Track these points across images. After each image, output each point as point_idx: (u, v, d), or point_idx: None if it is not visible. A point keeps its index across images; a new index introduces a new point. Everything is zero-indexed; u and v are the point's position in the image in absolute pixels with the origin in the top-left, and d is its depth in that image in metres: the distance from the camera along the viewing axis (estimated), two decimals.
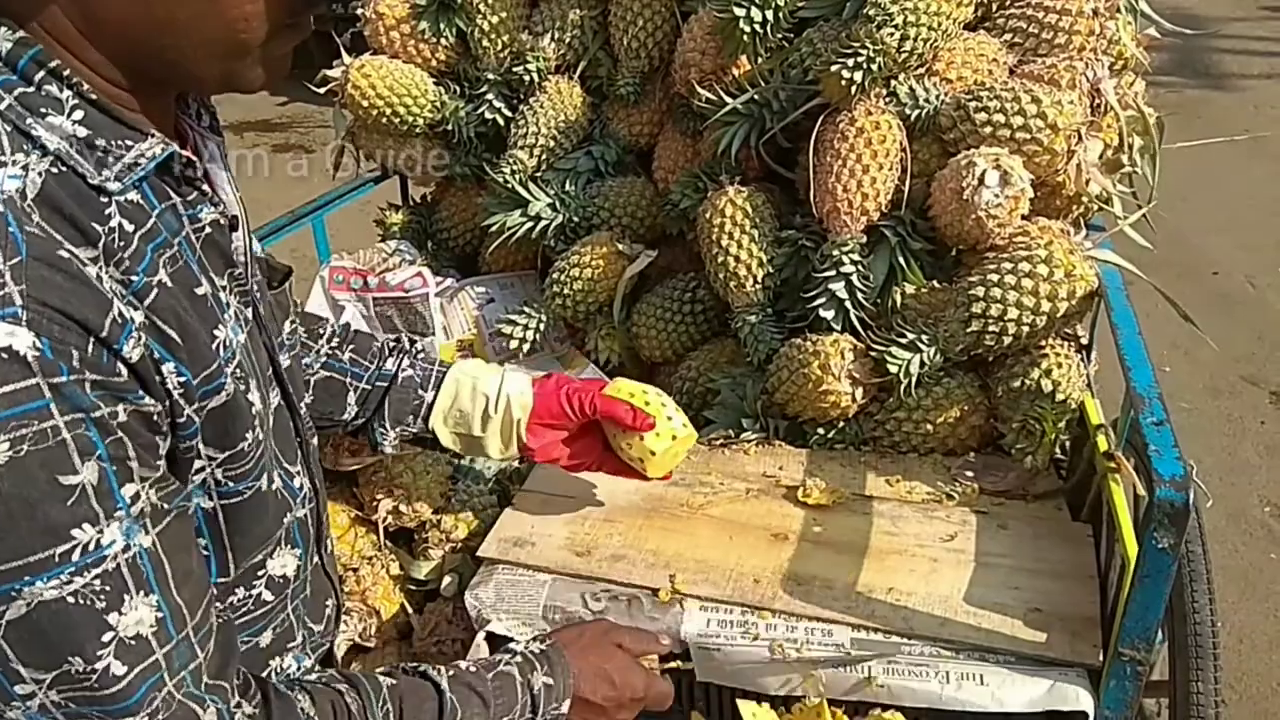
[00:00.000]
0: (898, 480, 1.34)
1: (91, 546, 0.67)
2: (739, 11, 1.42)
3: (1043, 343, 1.33)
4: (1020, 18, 1.44)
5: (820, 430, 1.43)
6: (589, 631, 1.08)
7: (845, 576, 1.17)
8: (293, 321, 1.01)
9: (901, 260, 1.40)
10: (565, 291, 1.65)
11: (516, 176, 1.70)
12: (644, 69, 1.70)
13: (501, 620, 1.19)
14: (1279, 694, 2.22)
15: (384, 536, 1.37)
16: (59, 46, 0.70)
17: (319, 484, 0.99)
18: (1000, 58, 1.42)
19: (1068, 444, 1.34)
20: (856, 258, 1.38)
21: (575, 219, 1.70)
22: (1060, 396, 1.29)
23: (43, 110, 0.68)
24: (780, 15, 1.44)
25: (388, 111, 1.78)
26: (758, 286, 1.48)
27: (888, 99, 1.39)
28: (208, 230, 0.80)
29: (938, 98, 1.39)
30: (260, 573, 0.89)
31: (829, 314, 1.40)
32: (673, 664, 1.12)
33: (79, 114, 0.69)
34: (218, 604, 0.81)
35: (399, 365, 1.22)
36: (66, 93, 0.69)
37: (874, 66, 1.32)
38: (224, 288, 0.82)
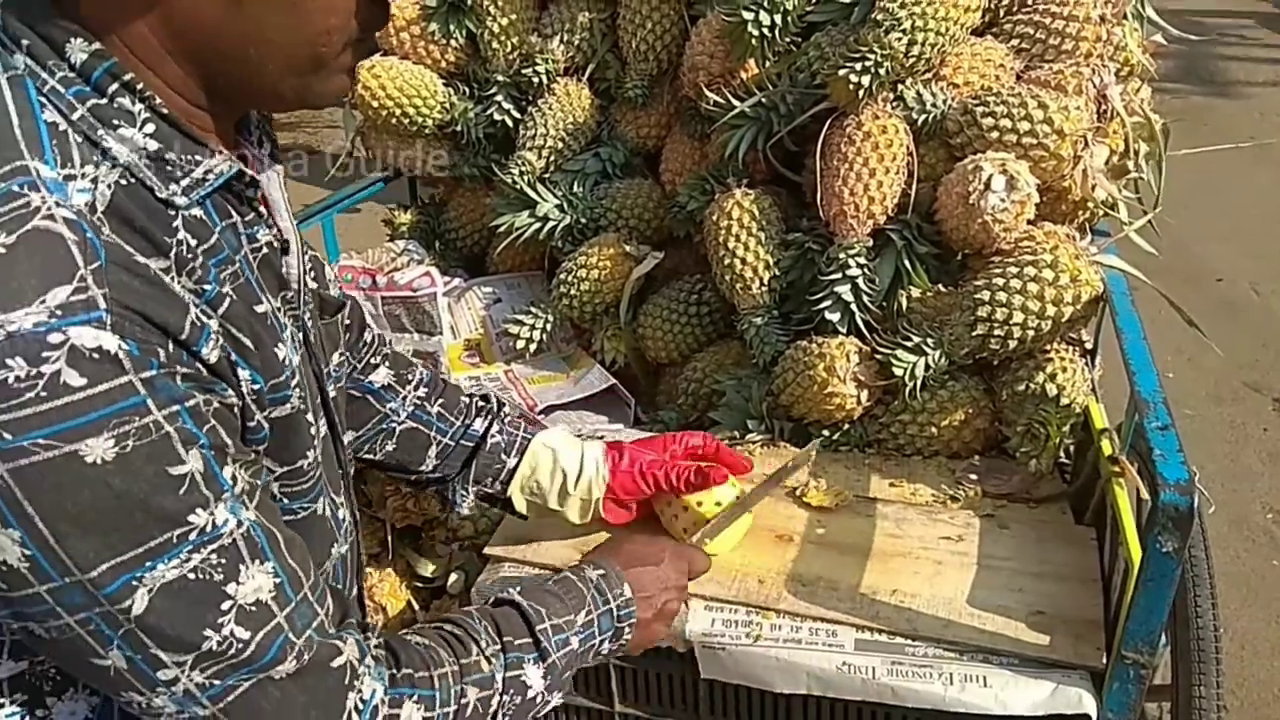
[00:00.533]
0: (902, 483, 1.35)
1: (208, 528, 0.69)
2: (747, 15, 1.43)
3: (1048, 347, 1.34)
4: (1027, 23, 1.45)
5: (825, 432, 1.43)
6: (614, 540, 1.12)
7: (849, 578, 1.17)
8: (342, 354, 1.01)
9: (907, 264, 1.40)
10: (572, 292, 1.65)
11: (525, 178, 1.71)
12: (652, 72, 1.71)
13: None
14: None
15: (391, 534, 1.38)
16: (135, 60, 0.70)
17: (357, 517, 1.00)
18: (1007, 63, 1.43)
19: (1072, 448, 1.35)
20: (863, 261, 1.38)
21: (583, 220, 1.71)
22: (1065, 400, 1.29)
23: (115, 122, 0.69)
24: (788, 19, 1.45)
25: (397, 112, 1.79)
26: (764, 289, 1.48)
27: (895, 103, 1.40)
28: (264, 251, 0.81)
29: (945, 102, 1.39)
30: None
31: (835, 317, 1.40)
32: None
33: (150, 127, 0.70)
34: None
35: (488, 428, 1.20)
36: (139, 105, 0.70)
37: (881, 71, 1.33)
38: (279, 309, 0.83)
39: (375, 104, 1.78)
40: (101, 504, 0.64)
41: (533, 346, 1.70)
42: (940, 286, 1.41)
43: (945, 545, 1.22)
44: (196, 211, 0.73)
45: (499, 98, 1.80)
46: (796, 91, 1.47)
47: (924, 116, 1.39)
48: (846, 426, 1.43)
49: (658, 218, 1.71)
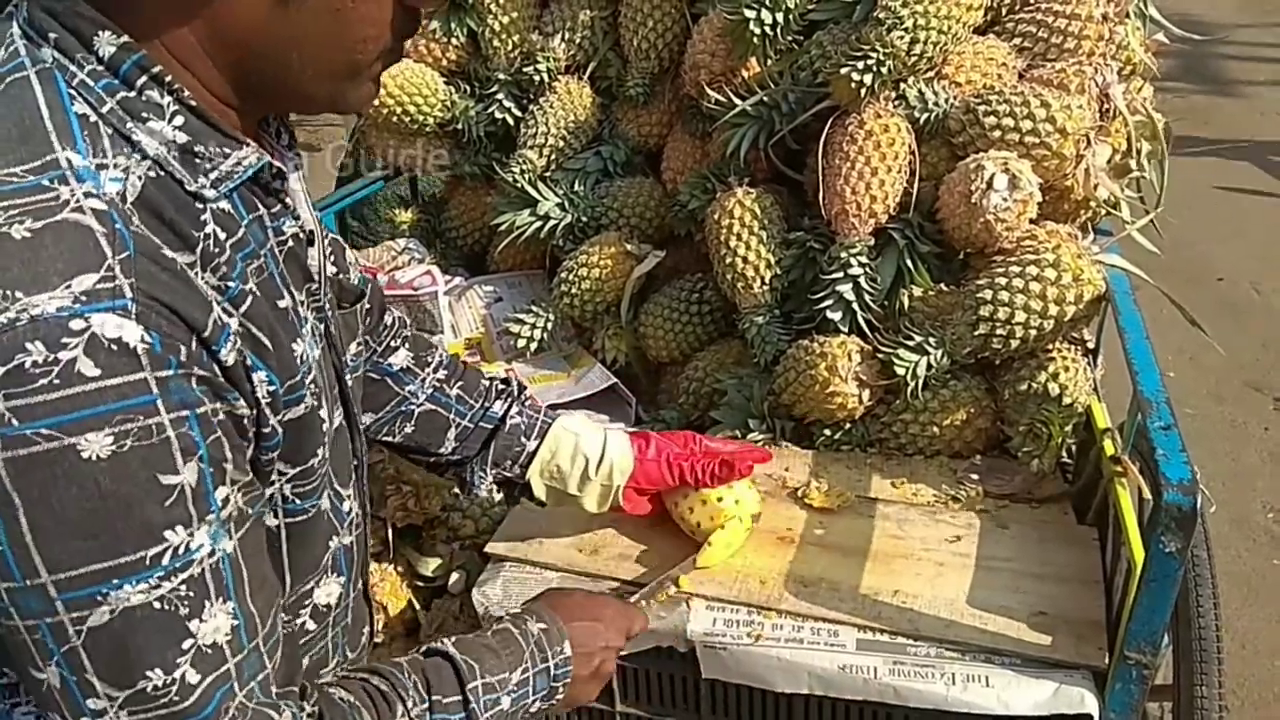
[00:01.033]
0: (903, 483, 1.35)
1: (181, 550, 0.66)
2: (749, 14, 1.43)
3: (1050, 346, 1.34)
4: (1030, 22, 1.44)
5: (826, 432, 1.43)
6: (558, 591, 1.10)
7: (851, 578, 1.17)
8: (360, 343, 1.01)
9: (909, 263, 1.40)
10: (573, 291, 1.65)
11: (526, 176, 1.71)
12: (654, 70, 1.71)
13: None
14: None
15: (392, 533, 1.38)
16: (167, 55, 0.70)
17: (367, 509, 0.99)
18: (1009, 62, 1.43)
19: (1074, 448, 1.34)
20: (864, 260, 1.38)
21: (584, 219, 1.70)
22: (1067, 400, 1.29)
23: (144, 115, 0.68)
24: (790, 18, 1.45)
25: (398, 110, 1.79)
26: (765, 288, 1.48)
27: (897, 102, 1.39)
28: (290, 244, 0.81)
29: (947, 101, 1.39)
30: (307, 601, 0.89)
31: (836, 316, 1.40)
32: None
33: (179, 120, 0.70)
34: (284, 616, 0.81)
35: (507, 410, 1.19)
36: (167, 98, 0.69)
37: (883, 70, 1.33)
38: (302, 302, 0.82)
39: (376, 102, 1.78)
40: (86, 504, 0.62)
41: (534, 345, 1.70)
42: (942, 286, 1.41)
43: (947, 546, 1.22)
44: (224, 205, 0.73)
45: (500, 96, 1.80)
46: (798, 90, 1.47)
47: (926, 115, 1.38)
48: (848, 426, 1.43)
49: (659, 216, 1.71)
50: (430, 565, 1.36)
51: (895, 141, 1.37)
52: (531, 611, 0.99)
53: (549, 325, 1.69)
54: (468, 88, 1.84)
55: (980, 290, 1.30)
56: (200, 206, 0.71)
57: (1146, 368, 1.10)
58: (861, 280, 1.38)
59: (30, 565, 0.62)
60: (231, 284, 0.72)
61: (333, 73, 0.74)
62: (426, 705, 0.84)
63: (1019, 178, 1.29)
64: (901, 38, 1.32)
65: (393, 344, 1.17)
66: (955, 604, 1.12)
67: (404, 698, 0.83)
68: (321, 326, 0.87)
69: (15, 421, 0.60)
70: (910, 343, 1.34)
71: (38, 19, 0.68)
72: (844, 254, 1.38)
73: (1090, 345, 1.43)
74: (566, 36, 1.75)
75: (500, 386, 1.22)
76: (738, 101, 1.49)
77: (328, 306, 0.89)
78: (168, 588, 0.66)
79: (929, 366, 1.33)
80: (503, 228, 1.71)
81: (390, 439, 1.17)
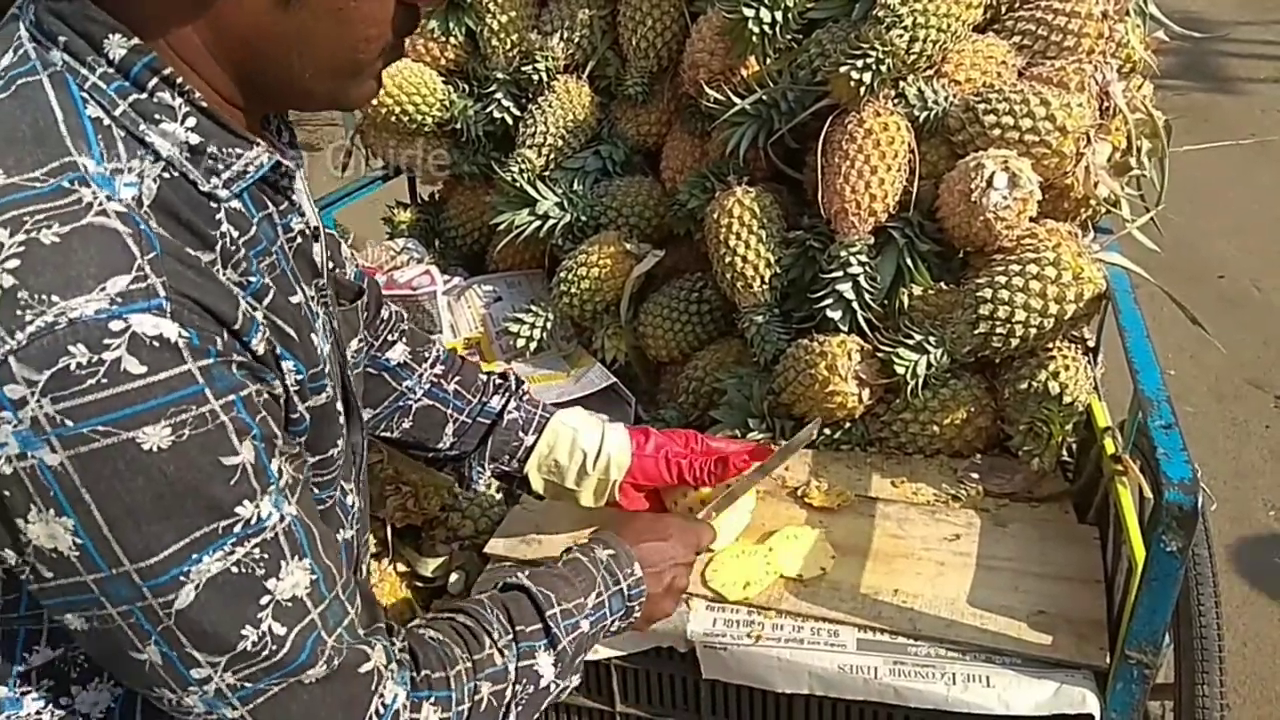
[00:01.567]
0: (904, 482, 1.34)
1: (253, 521, 0.69)
2: (748, 12, 1.43)
3: (1050, 345, 1.33)
4: (1029, 20, 1.44)
5: (826, 431, 1.43)
6: (624, 517, 1.14)
7: (851, 578, 1.17)
8: (360, 340, 1.02)
9: (909, 262, 1.40)
10: (572, 290, 1.65)
11: (524, 175, 1.71)
12: (652, 69, 1.70)
13: None
14: None
15: (391, 533, 1.38)
16: (174, 56, 0.70)
17: (365, 505, 1.00)
18: (1009, 60, 1.42)
19: (1074, 446, 1.34)
20: (864, 259, 1.38)
21: (583, 218, 1.70)
22: (1067, 399, 1.29)
23: (156, 117, 0.69)
24: (789, 16, 1.44)
25: (396, 110, 1.78)
26: (765, 287, 1.48)
27: (896, 100, 1.39)
28: (298, 241, 0.82)
29: (946, 99, 1.39)
30: None
31: (836, 315, 1.40)
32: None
33: (191, 121, 0.70)
34: None
35: (504, 405, 1.20)
36: (178, 100, 0.70)
37: (883, 68, 1.32)
38: (312, 298, 0.84)
39: (374, 101, 1.77)
40: (155, 492, 0.64)
41: (533, 345, 1.70)
42: (942, 284, 1.41)
43: (947, 545, 1.22)
44: (236, 204, 0.74)
45: (499, 95, 1.79)
46: (797, 89, 1.47)
47: (926, 114, 1.38)
48: (848, 425, 1.42)
49: (658, 215, 1.71)
50: (430, 565, 1.36)
51: (895, 140, 1.36)
52: (599, 539, 1.03)
53: (548, 325, 1.69)
54: (466, 87, 1.84)
55: (980, 289, 1.30)
56: (214, 206, 0.72)
57: (1147, 366, 1.10)
58: (861, 279, 1.37)
59: (113, 555, 0.65)
60: (253, 279, 0.73)
61: (334, 71, 0.75)
62: (511, 636, 0.88)
63: (1019, 176, 1.29)
64: (901, 36, 1.32)
65: (390, 338, 1.17)
66: (956, 603, 1.12)
67: (489, 630, 0.87)
68: (330, 322, 0.88)
69: (70, 421, 0.61)
70: (910, 341, 1.33)
71: (45, 21, 0.68)
72: (843, 253, 1.38)
73: (1091, 343, 1.43)
74: (565, 35, 1.74)
75: (498, 381, 1.23)
76: (737, 100, 1.48)
77: (330, 302, 0.90)
78: (242, 552, 0.68)
79: (929, 365, 1.33)
80: (501, 227, 1.71)
81: (389, 434, 1.18)
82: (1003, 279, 1.29)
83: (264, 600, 0.70)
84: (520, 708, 0.88)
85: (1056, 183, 1.36)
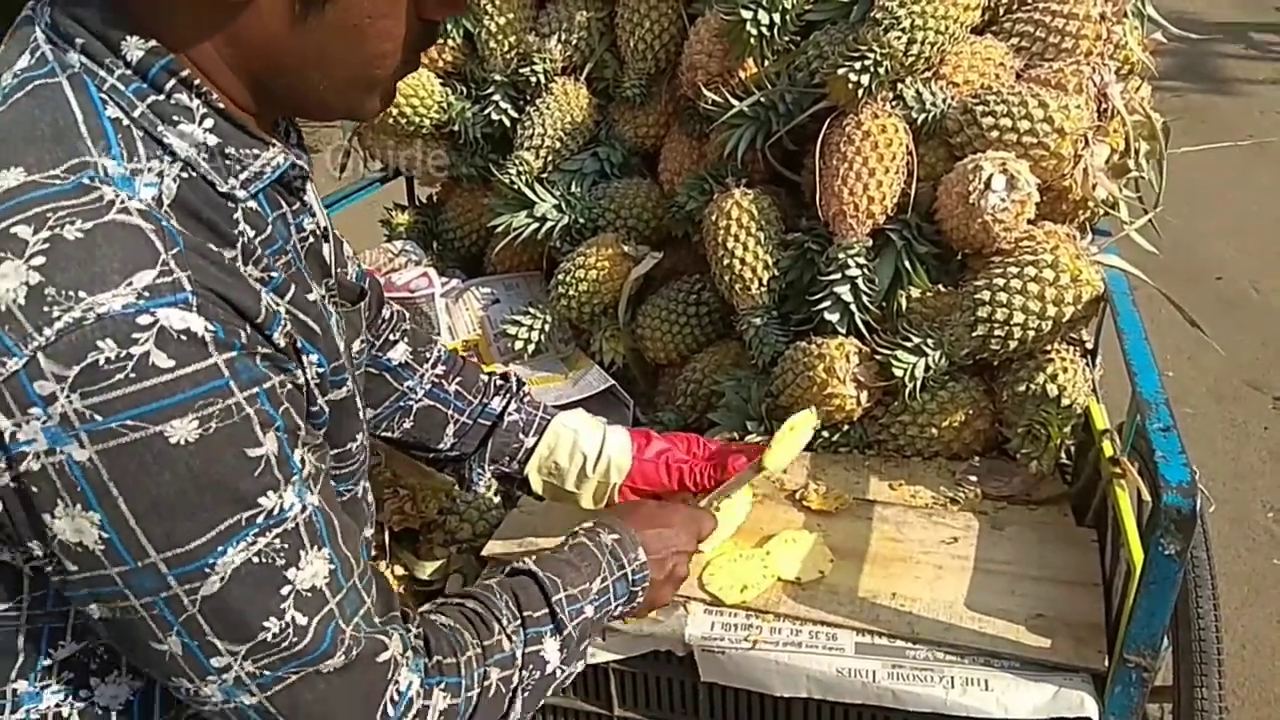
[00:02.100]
0: (902, 484, 1.34)
1: (275, 511, 0.69)
2: (746, 14, 1.42)
3: (1048, 347, 1.33)
4: (1027, 22, 1.44)
5: (825, 433, 1.42)
6: (629, 504, 1.15)
7: (849, 581, 1.17)
8: (363, 341, 1.03)
9: (907, 264, 1.39)
10: (570, 293, 1.65)
11: (522, 178, 1.70)
12: (650, 71, 1.70)
13: None
14: None
15: (389, 536, 1.38)
16: (190, 63, 0.71)
17: (373, 500, 1.00)
18: (1007, 62, 1.42)
19: (1073, 449, 1.34)
20: (862, 261, 1.38)
21: (581, 220, 1.70)
22: (1065, 401, 1.29)
23: (174, 118, 0.70)
24: (787, 18, 1.44)
25: (394, 112, 1.78)
26: (763, 289, 1.48)
27: (894, 102, 1.39)
28: (310, 240, 0.83)
29: (944, 101, 1.39)
30: None
31: (834, 317, 1.40)
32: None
33: (209, 122, 0.71)
34: None
35: (505, 406, 1.21)
36: (196, 101, 0.70)
37: (881, 70, 1.32)
38: (324, 296, 0.84)
39: None
40: (181, 485, 0.65)
41: (531, 347, 1.70)
42: (940, 287, 1.41)
43: (945, 548, 1.22)
44: (252, 204, 0.75)
45: (496, 97, 1.79)
46: (795, 91, 1.47)
47: (924, 116, 1.38)
48: (846, 428, 1.42)
49: (656, 218, 1.71)
50: (428, 569, 1.36)
51: (893, 142, 1.36)
52: (604, 524, 1.04)
53: (546, 327, 1.69)
54: (464, 89, 1.84)
55: (978, 291, 1.30)
56: (232, 206, 0.73)
57: (1145, 369, 1.09)
58: (859, 281, 1.37)
59: (139, 548, 0.65)
60: (274, 275, 0.74)
61: (350, 85, 0.76)
62: (519, 621, 0.90)
63: (1017, 178, 1.29)
64: (899, 38, 1.32)
65: (391, 338, 1.17)
66: (954, 606, 1.12)
67: (498, 616, 0.89)
68: (341, 321, 0.89)
69: (99, 416, 0.62)
70: (908, 344, 1.33)
71: (62, 24, 0.69)
72: (842, 255, 1.38)
73: (1089, 346, 1.43)
74: (563, 38, 1.74)
75: (499, 383, 1.23)
76: (735, 102, 1.48)
77: (337, 302, 0.91)
78: (264, 543, 0.69)
79: (927, 368, 1.33)
80: (500, 229, 1.71)
81: (389, 434, 1.18)
82: (1001, 281, 1.28)
83: (285, 590, 0.70)
84: (526, 694, 0.89)
85: (1054, 185, 1.36)
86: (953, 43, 1.39)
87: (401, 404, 1.17)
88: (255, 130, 0.74)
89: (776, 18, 1.43)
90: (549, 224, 1.68)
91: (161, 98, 0.69)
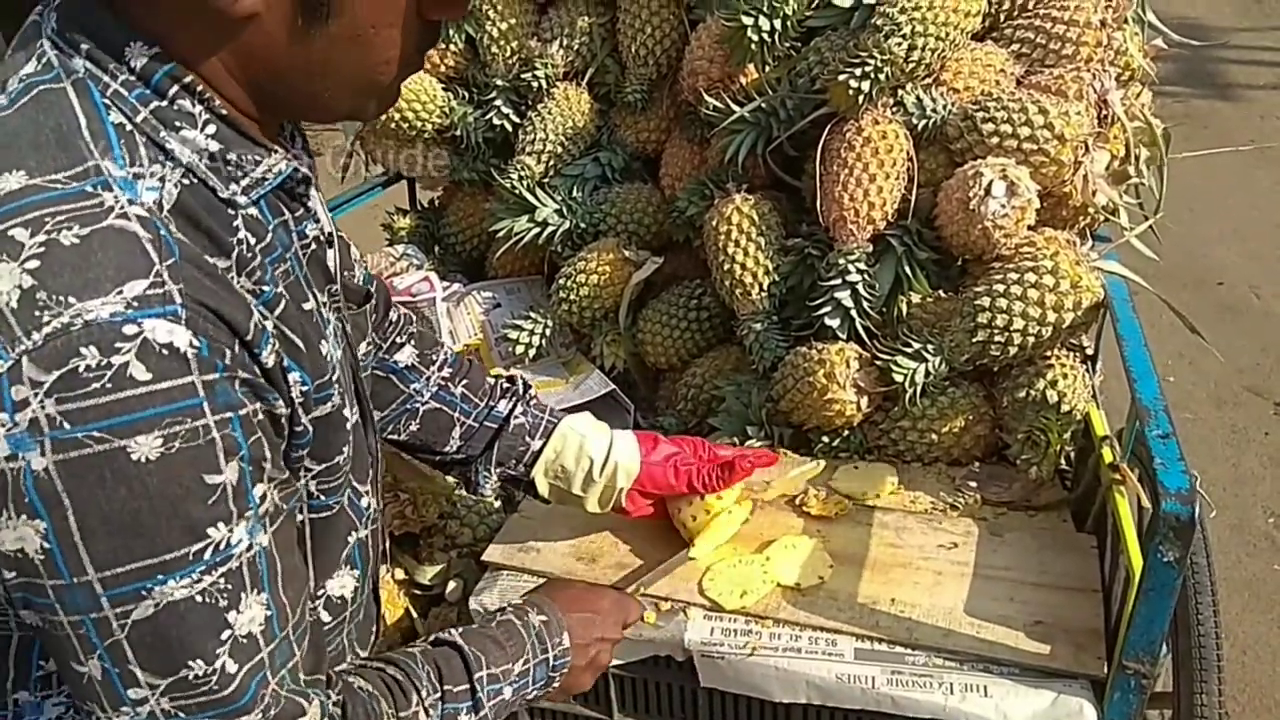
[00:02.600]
0: (901, 490, 1.34)
1: (222, 545, 0.68)
2: (747, 20, 1.43)
3: (1048, 353, 1.34)
4: (1028, 28, 1.44)
5: (825, 439, 1.43)
6: (559, 582, 1.15)
7: (849, 587, 1.17)
8: (370, 343, 1.03)
9: (907, 269, 1.40)
10: (571, 297, 1.65)
11: (524, 182, 1.71)
12: (652, 76, 1.71)
13: None
14: None
15: (390, 541, 1.38)
16: (194, 72, 0.71)
17: (381, 506, 1.00)
18: (1007, 68, 1.43)
19: (1072, 455, 1.34)
20: (862, 266, 1.38)
21: (582, 225, 1.70)
22: (1065, 407, 1.29)
23: (177, 124, 0.70)
24: (788, 24, 1.45)
25: (396, 117, 1.78)
26: (763, 294, 1.48)
27: (895, 109, 1.39)
28: (312, 247, 0.83)
29: (945, 108, 1.39)
30: (320, 593, 0.90)
31: (834, 322, 1.40)
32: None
33: (211, 128, 0.71)
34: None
35: (511, 409, 1.20)
36: (198, 107, 0.71)
37: (881, 76, 1.33)
38: (324, 304, 0.84)
39: None
40: (134, 504, 0.63)
41: (532, 351, 1.70)
42: (940, 292, 1.41)
43: (945, 554, 1.22)
44: (253, 211, 0.75)
45: (498, 102, 1.79)
46: (796, 96, 1.47)
47: (924, 122, 1.38)
48: (846, 433, 1.42)
49: (657, 223, 1.71)
50: (428, 573, 1.36)
51: (893, 148, 1.36)
52: (533, 603, 1.02)
53: (547, 331, 1.69)
54: (466, 94, 1.84)
55: (979, 297, 1.30)
56: (232, 213, 0.72)
57: (1144, 375, 1.10)
58: (860, 287, 1.38)
59: (78, 563, 0.64)
60: (266, 288, 0.74)
61: (354, 91, 0.76)
62: (439, 695, 0.88)
63: (1017, 184, 1.29)
64: (899, 44, 1.32)
65: (398, 340, 1.17)
66: (953, 613, 1.12)
67: (418, 687, 0.87)
68: (343, 327, 0.89)
69: (67, 425, 0.61)
70: (908, 350, 1.33)
71: (67, 30, 0.69)
72: (842, 261, 1.38)
73: (1089, 352, 1.43)
74: (565, 43, 1.74)
75: (505, 386, 1.23)
76: (736, 108, 1.49)
77: (341, 307, 0.91)
78: (208, 581, 0.67)
79: (927, 373, 1.33)
80: (501, 234, 1.71)
81: (395, 436, 1.18)
82: (1001, 287, 1.29)
83: (224, 635, 0.69)
84: None
85: (1055, 191, 1.36)
86: (953, 49, 1.39)
87: (408, 407, 1.17)
88: (258, 136, 0.75)
89: (777, 24, 1.43)
90: (550, 229, 1.69)
91: (165, 103, 0.69)
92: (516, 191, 1.70)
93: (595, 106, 1.77)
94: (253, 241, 0.73)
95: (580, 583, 1.14)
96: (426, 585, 1.36)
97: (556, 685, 1.00)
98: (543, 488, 1.21)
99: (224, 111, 0.72)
